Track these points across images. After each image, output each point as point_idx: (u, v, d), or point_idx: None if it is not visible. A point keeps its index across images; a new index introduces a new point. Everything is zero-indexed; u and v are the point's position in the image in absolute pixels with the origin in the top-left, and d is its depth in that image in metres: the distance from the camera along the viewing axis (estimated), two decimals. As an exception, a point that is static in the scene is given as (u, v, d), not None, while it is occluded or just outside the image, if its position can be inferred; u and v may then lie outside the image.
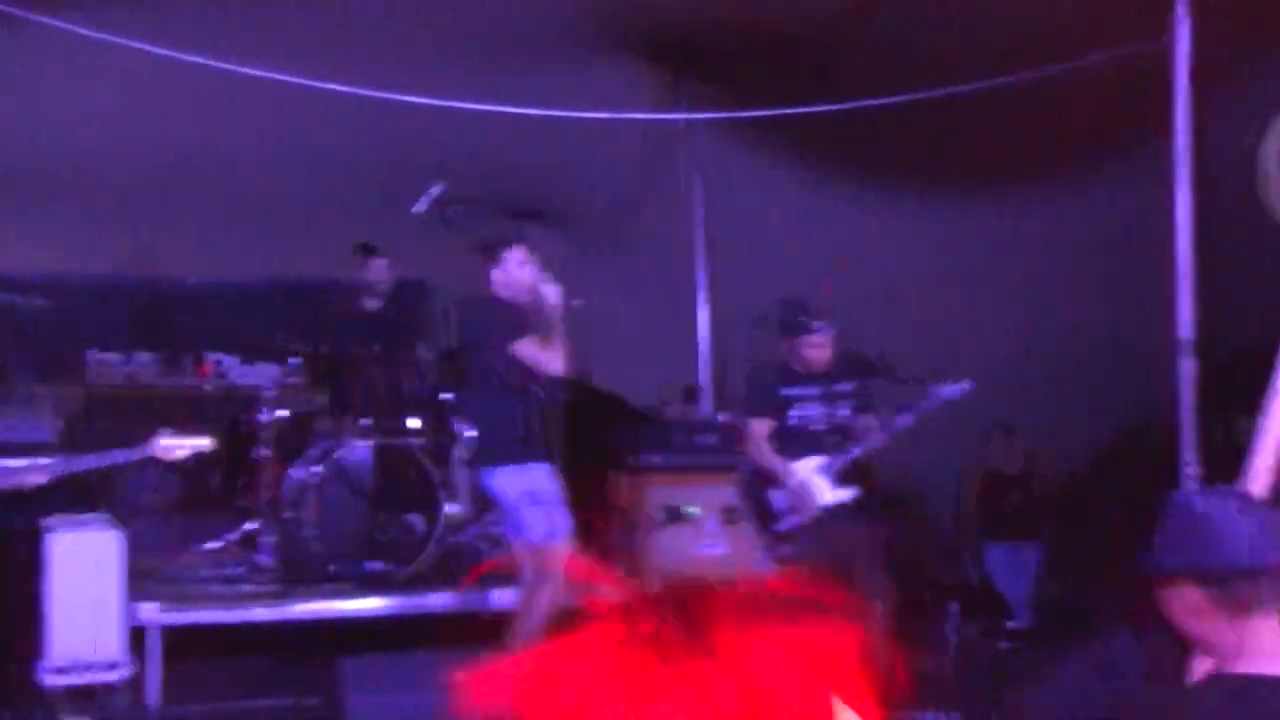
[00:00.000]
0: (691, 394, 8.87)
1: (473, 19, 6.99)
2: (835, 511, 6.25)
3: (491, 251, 6.08)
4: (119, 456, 6.08)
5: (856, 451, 6.30)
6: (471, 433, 7.27)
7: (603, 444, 7.70)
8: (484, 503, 7.49)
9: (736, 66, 8.04)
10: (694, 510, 7.31)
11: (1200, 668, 2.57)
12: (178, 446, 5.86)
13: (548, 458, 6.07)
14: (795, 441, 6.35)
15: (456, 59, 7.21)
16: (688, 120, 8.34)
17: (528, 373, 5.96)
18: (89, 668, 6.07)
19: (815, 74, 7.74)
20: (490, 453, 6.11)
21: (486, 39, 7.18)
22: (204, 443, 5.94)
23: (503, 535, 6.70)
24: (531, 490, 5.95)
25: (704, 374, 8.71)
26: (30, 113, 7.53)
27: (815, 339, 6.37)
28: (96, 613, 6.14)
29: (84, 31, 5.98)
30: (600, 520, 7.55)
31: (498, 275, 6.05)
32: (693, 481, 7.47)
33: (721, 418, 7.96)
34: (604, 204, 9.28)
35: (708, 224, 8.65)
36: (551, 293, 5.97)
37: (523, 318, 5.97)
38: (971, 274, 8.91)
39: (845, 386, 6.42)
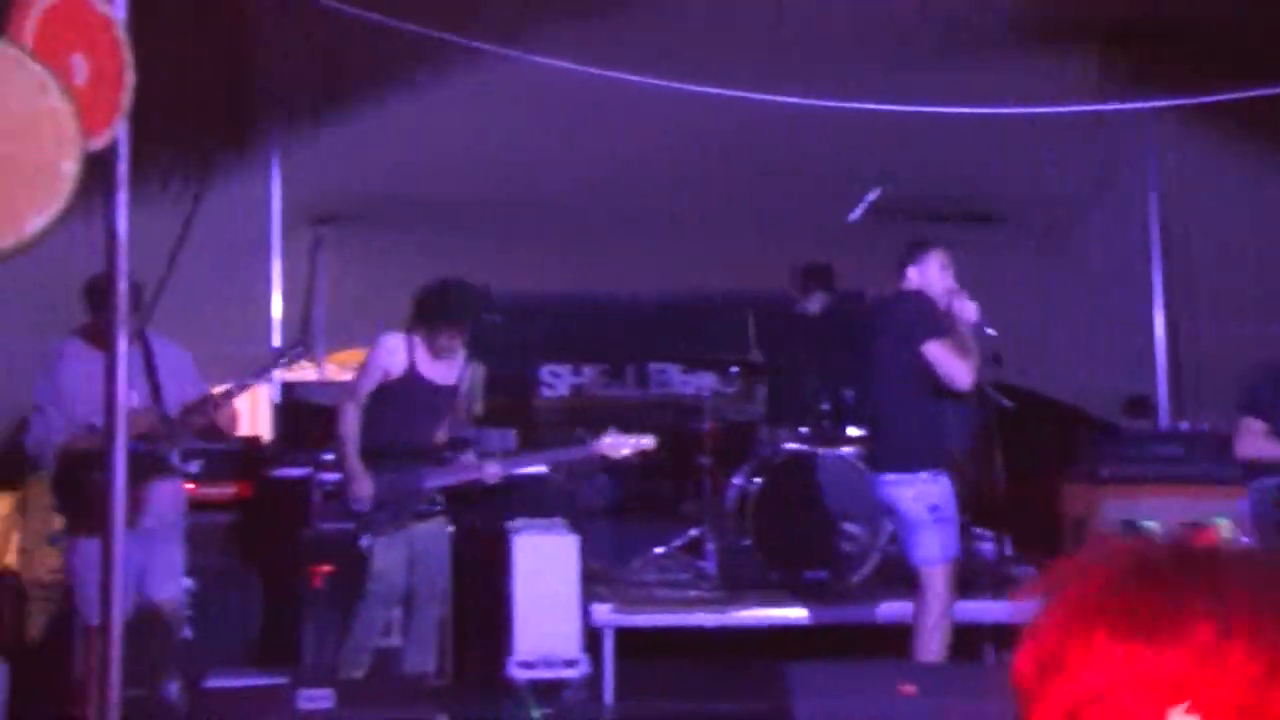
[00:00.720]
0: (1143, 403, 8.36)
1: (907, 18, 6.87)
2: None
3: (915, 249, 5.87)
4: (568, 454, 6.36)
5: None
6: (863, 432, 7.10)
7: (1054, 453, 7.37)
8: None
9: (1185, 53, 7.51)
10: (1151, 524, 6.88)
11: None
12: (622, 444, 6.04)
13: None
14: None
15: (890, 61, 7.11)
16: (1140, 110, 7.85)
17: (937, 376, 5.66)
18: (550, 664, 6.39)
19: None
20: (895, 457, 5.75)
21: (922, 39, 7.04)
22: (647, 441, 6.06)
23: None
24: (937, 505, 5.63)
25: (1161, 381, 8.19)
26: (484, 139, 7.99)
27: None
28: (556, 612, 6.45)
29: (540, 60, 6.28)
30: (1051, 532, 7.24)
31: (913, 274, 5.81)
32: (1151, 494, 7.06)
33: (1183, 427, 7.46)
34: (1051, 203, 8.90)
35: (1163, 221, 8.13)
36: (969, 309, 5.71)
37: (943, 319, 5.73)
38: None
39: None
